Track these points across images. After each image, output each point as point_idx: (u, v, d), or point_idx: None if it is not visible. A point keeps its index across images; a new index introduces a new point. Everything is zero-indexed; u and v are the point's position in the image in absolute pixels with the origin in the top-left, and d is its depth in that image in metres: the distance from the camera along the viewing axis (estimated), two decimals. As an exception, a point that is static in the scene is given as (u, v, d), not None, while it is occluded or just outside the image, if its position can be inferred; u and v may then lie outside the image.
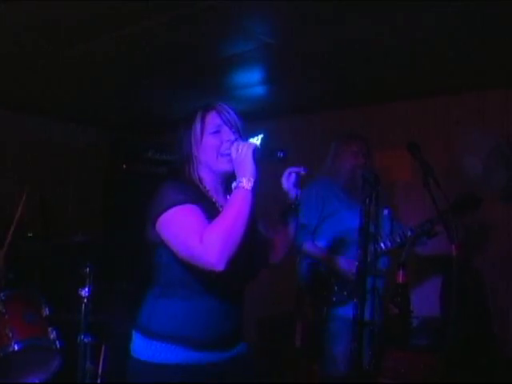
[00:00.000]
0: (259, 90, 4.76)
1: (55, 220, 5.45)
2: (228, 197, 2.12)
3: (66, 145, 5.94)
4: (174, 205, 1.97)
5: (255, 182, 1.98)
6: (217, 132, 2.14)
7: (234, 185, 2.02)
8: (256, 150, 2.02)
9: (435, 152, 4.11)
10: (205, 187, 2.16)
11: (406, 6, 2.98)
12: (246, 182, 1.97)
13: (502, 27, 3.19)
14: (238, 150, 2.05)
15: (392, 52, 3.68)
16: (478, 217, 3.77)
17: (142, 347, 2.07)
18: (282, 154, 2.06)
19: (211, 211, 2.02)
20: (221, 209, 2.07)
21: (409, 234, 3.41)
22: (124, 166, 5.73)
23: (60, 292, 3.63)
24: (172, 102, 5.01)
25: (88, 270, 3.34)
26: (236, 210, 1.93)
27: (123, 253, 4.51)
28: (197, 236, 1.88)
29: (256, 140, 5.44)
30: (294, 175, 2.28)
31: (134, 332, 2.12)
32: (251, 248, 2.08)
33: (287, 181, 2.29)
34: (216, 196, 2.16)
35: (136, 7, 3.07)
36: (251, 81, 4.51)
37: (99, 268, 3.37)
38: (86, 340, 3.33)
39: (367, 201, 2.33)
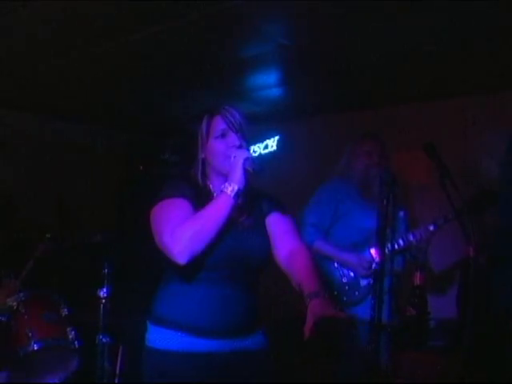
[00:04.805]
0: (276, 92, 4.77)
1: (72, 221, 5.49)
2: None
3: (83, 146, 5.96)
4: (165, 197, 2.09)
5: (239, 190, 2.05)
6: (222, 136, 2.19)
7: (221, 187, 2.09)
8: (247, 160, 2.08)
9: (451, 153, 4.08)
10: (210, 187, 2.22)
11: (420, 6, 2.98)
12: (229, 189, 2.05)
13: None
14: (234, 157, 2.11)
15: (407, 53, 3.67)
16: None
17: (151, 334, 2.15)
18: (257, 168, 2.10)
19: None
20: None
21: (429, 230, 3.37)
22: (141, 168, 5.77)
23: (78, 292, 3.66)
24: (188, 103, 5.03)
25: (106, 270, 3.37)
26: (211, 212, 2.03)
27: (140, 253, 4.53)
28: (170, 227, 1.99)
29: (272, 142, 5.46)
30: None
31: (147, 321, 2.19)
32: (246, 237, 2.15)
33: None
34: None
35: (153, 10, 3.10)
36: (268, 82, 4.52)
37: (117, 268, 3.40)
38: (104, 340, 3.35)
39: (385, 202, 2.30)
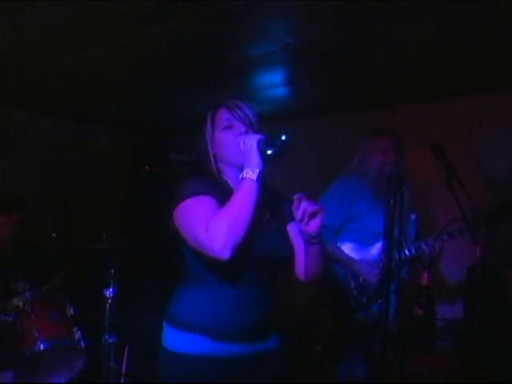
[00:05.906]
0: (281, 91, 4.75)
1: (78, 221, 5.50)
2: None
3: (89, 146, 5.97)
4: (190, 196, 2.04)
5: (260, 173, 2.02)
6: (228, 127, 2.18)
7: (240, 176, 2.06)
8: (261, 142, 2.05)
9: (458, 153, 4.06)
10: (226, 181, 2.20)
11: (420, 6, 2.96)
12: (250, 173, 2.02)
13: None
14: (244, 143, 2.09)
15: (414, 53, 3.65)
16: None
17: (169, 337, 2.12)
18: (285, 138, 2.07)
19: None
20: None
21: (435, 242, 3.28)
22: (147, 168, 5.77)
23: (85, 292, 3.66)
24: (194, 102, 5.03)
25: (112, 270, 3.37)
26: (240, 200, 1.99)
27: (146, 253, 4.54)
28: (203, 225, 1.94)
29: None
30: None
31: (164, 322, 2.17)
32: (270, 236, 2.13)
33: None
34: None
35: (157, 9, 3.09)
36: (273, 82, 4.51)
37: (123, 269, 3.40)
38: (110, 340, 3.36)
39: (391, 202, 2.25)
